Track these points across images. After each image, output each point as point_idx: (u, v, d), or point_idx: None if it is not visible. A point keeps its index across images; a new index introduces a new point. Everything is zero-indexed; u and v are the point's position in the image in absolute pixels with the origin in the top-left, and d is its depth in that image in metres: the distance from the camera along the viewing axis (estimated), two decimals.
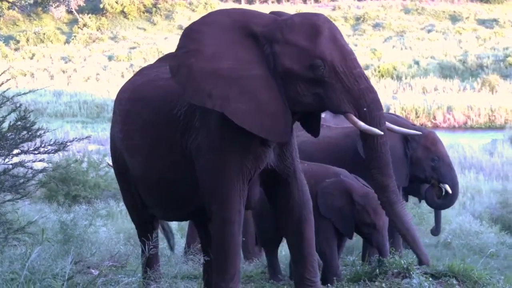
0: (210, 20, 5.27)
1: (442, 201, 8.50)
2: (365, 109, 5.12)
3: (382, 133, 5.21)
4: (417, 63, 44.42)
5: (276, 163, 5.47)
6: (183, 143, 5.39)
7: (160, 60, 6.14)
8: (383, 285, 6.24)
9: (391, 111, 27.69)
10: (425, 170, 8.22)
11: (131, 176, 5.95)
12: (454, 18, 56.74)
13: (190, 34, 5.24)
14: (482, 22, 55.20)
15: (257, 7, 51.79)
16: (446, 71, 43.19)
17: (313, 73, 5.07)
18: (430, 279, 6.38)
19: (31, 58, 50.77)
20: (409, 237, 5.66)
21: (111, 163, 9.06)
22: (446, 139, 17.60)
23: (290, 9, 50.00)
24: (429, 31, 53.86)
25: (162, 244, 7.56)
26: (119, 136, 5.88)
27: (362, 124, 5.14)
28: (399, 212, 5.50)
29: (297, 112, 5.27)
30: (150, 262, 6.01)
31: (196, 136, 5.32)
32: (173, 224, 10.58)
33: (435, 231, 9.40)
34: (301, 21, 5.15)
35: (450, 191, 8.40)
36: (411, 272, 6.44)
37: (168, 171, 5.53)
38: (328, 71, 5.06)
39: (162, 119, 5.46)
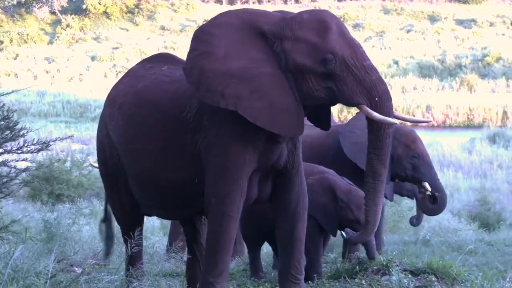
0: (220, 21, 5.37)
1: (434, 206, 8.65)
2: (376, 99, 5.22)
3: (397, 122, 5.32)
4: (396, 62, 44.68)
5: (288, 159, 5.58)
6: (193, 144, 5.45)
7: (148, 61, 6.17)
8: (363, 282, 6.31)
9: None
10: (405, 168, 8.32)
11: (122, 178, 5.98)
12: (432, 18, 57.10)
13: (201, 36, 5.34)
14: (460, 22, 55.59)
15: (238, 7, 51.54)
16: (425, 71, 43.49)
17: (325, 67, 5.18)
18: (409, 276, 6.44)
19: (15, 59, 50.63)
20: (370, 226, 5.74)
21: (94, 164, 9.03)
22: (425, 137, 17.68)
23: (270, 9, 49.95)
24: (408, 31, 54.18)
25: (145, 242, 7.58)
26: (120, 140, 5.87)
27: (376, 114, 5.22)
28: (378, 202, 5.59)
29: (308, 106, 5.38)
30: (133, 260, 6.03)
31: (206, 136, 5.39)
32: (156, 222, 10.59)
33: (416, 221, 9.43)
34: (309, 18, 5.26)
35: (429, 188, 8.51)
36: (391, 269, 6.50)
37: (177, 172, 5.57)
38: (339, 64, 5.17)
39: (172, 122, 5.52)
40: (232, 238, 5.47)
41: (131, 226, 6.06)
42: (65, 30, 56.11)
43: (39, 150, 6.07)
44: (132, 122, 5.73)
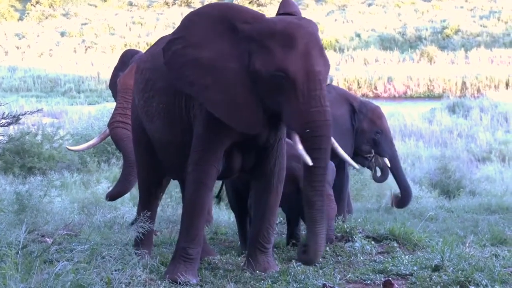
0: (202, 11, 5.57)
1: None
2: (307, 131, 5.21)
3: (311, 164, 5.23)
4: (358, 35, 44.82)
5: (272, 134, 5.66)
6: (187, 110, 5.63)
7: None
8: (327, 248, 6.41)
9: (334, 82, 27.95)
10: (367, 142, 8.49)
11: (144, 141, 6.19)
12: None
13: (184, 22, 5.56)
14: None
15: None
16: (386, 43, 43.71)
17: (274, 81, 5.21)
18: (372, 242, 6.64)
19: None
20: None
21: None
22: (387, 108, 17.89)
23: None
24: (369, 4, 54.21)
25: (115, 212, 7.64)
26: (139, 103, 6.08)
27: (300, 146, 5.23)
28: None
29: (268, 108, 5.41)
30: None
31: (194, 105, 5.56)
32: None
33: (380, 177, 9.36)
34: (281, 30, 5.25)
35: (389, 164, 8.69)
36: (354, 236, 6.68)
37: (179, 135, 5.73)
38: (287, 84, 5.17)
39: (172, 87, 5.67)
40: (204, 205, 5.60)
41: (152, 189, 6.39)
42: (34, 6, 55.69)
43: (9, 124, 6.05)
44: (147, 87, 5.92)
